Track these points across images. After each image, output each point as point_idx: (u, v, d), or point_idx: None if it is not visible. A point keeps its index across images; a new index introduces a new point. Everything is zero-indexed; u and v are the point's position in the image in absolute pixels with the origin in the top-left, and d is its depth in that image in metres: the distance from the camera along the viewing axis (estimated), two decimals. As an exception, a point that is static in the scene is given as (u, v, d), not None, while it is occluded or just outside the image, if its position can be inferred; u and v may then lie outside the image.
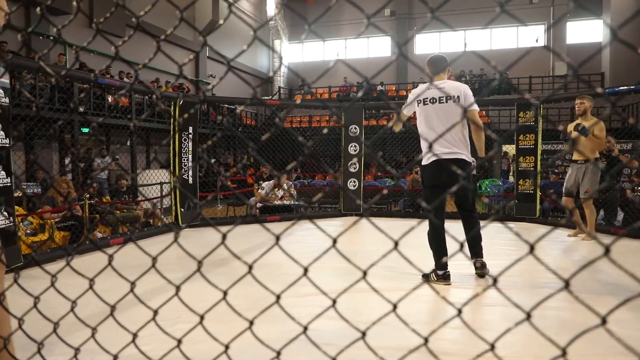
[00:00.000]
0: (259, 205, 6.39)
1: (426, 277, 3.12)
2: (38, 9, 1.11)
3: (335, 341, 1.53)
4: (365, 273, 0.85)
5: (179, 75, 0.94)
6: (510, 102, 11.84)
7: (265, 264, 3.64)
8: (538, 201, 5.70)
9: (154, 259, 1.01)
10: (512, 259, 2.99)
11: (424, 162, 3.14)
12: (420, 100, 3.16)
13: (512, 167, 12.03)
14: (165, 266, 1.36)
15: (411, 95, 3.29)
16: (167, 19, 14.06)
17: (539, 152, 5.56)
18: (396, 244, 0.77)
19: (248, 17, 19.30)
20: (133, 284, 1.06)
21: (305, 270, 0.88)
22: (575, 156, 4.70)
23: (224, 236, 0.95)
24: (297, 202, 6.74)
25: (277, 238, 0.91)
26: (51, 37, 10.02)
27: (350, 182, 6.40)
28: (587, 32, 17.82)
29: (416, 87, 4.88)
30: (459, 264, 3.37)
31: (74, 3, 1.04)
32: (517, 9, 18.10)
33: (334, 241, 0.84)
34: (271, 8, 20.19)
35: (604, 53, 16.22)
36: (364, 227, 5.46)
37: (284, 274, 3.27)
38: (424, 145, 3.21)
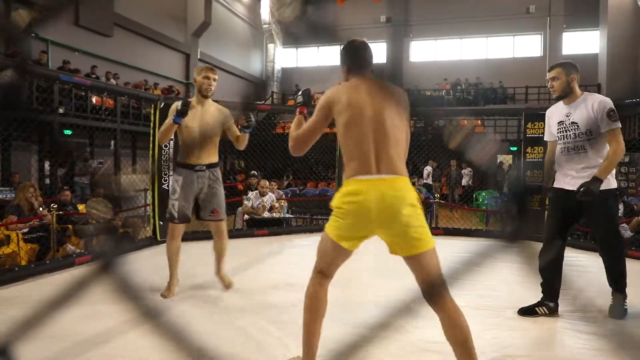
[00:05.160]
0: (246, 217, 5.96)
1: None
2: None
3: None
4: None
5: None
6: (506, 111, 11.59)
7: (248, 290, 3.23)
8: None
9: None
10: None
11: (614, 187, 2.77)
12: None
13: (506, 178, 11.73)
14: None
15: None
16: (157, 18, 13.63)
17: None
18: None
19: (242, 19, 18.93)
20: None
21: None
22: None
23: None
24: (287, 215, 6.33)
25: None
26: (32, 34, 9.54)
27: (345, 193, 6.01)
28: (583, 43, 17.68)
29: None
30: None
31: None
32: (514, 19, 17.95)
33: None
34: (265, 11, 19.84)
35: (600, 65, 16.05)
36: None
37: (271, 307, 2.86)
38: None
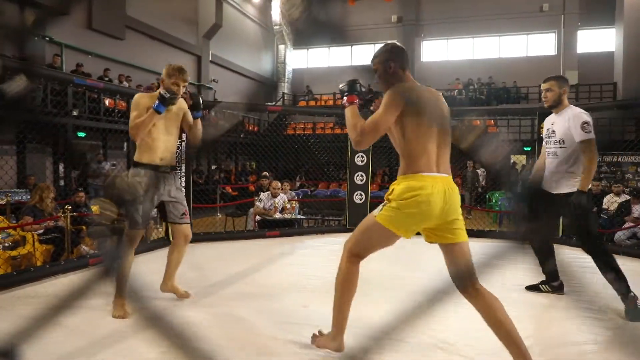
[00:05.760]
0: (257, 218, 5.97)
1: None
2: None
3: None
4: None
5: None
6: (519, 111, 11.48)
7: (259, 291, 3.22)
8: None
9: None
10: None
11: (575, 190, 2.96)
12: None
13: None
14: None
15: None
16: (168, 21, 13.74)
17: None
18: None
19: (253, 21, 19.00)
20: None
21: None
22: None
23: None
24: (298, 216, 6.32)
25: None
26: (47, 38, 9.69)
27: (357, 195, 5.98)
28: (598, 41, 17.42)
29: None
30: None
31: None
32: (527, 17, 17.75)
33: None
34: (276, 13, 19.88)
35: (616, 63, 15.79)
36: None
37: (282, 309, 2.85)
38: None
